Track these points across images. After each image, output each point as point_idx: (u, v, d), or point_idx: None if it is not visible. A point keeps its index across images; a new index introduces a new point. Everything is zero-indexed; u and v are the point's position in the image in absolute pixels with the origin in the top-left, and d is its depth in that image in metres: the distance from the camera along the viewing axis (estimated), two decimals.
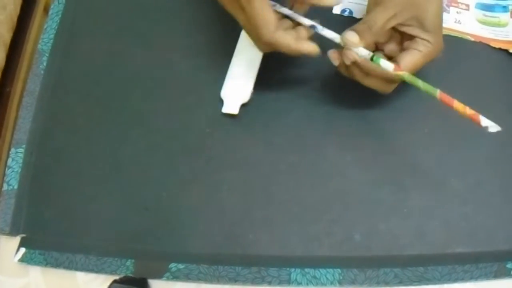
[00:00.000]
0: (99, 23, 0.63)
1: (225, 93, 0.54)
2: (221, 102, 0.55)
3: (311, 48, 0.48)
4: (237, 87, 0.54)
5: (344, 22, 0.56)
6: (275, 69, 0.56)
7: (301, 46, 0.47)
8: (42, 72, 0.60)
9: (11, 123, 0.60)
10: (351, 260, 0.48)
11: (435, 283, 0.47)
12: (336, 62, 0.49)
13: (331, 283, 0.48)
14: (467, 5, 0.58)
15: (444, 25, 0.47)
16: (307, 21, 0.48)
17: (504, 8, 0.58)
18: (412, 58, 0.46)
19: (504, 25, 0.57)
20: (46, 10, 0.67)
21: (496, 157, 0.51)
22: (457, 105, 0.44)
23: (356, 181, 0.51)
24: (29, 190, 0.55)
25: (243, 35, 0.56)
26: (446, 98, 0.44)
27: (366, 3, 0.49)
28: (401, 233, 0.49)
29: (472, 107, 0.43)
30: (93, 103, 0.58)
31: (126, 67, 0.59)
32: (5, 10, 0.62)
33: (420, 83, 0.45)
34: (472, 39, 0.56)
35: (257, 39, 0.47)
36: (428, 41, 0.46)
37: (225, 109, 0.54)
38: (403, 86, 0.53)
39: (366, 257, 0.48)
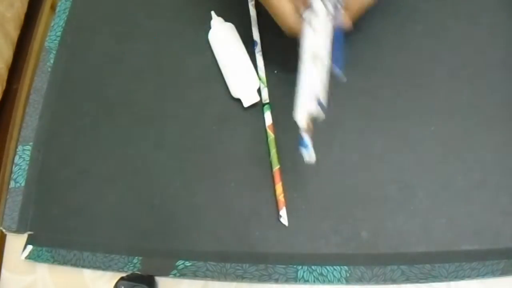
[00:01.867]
0: (106, 20, 0.63)
1: (238, 91, 0.54)
2: (228, 98, 0.55)
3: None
4: (244, 79, 0.55)
5: None
6: (282, 65, 0.56)
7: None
8: (49, 69, 0.60)
9: (18, 121, 0.60)
10: (358, 257, 0.49)
11: (442, 281, 0.47)
12: None
13: (338, 280, 0.48)
14: None
15: None
16: None
17: None
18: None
19: None
20: (53, 7, 0.67)
21: (502, 155, 0.51)
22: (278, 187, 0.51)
23: (362, 179, 0.51)
24: (36, 187, 0.55)
25: (216, 37, 0.57)
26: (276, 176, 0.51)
27: None
28: (408, 230, 0.49)
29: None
30: (100, 100, 0.58)
31: (133, 65, 0.59)
32: (12, 8, 0.62)
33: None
34: None
35: (281, 27, 0.48)
36: None
37: (246, 103, 0.54)
38: (407, 84, 0.54)
39: (373, 254, 0.48)
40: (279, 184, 0.51)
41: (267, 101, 0.54)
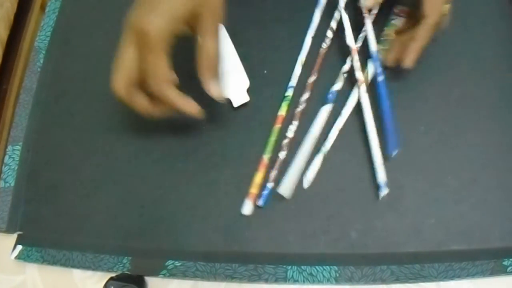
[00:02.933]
0: (95, 20, 0.63)
1: (227, 91, 0.54)
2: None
3: (194, 106, 0.47)
4: (234, 78, 0.54)
5: None
6: (267, 67, 0.56)
7: (186, 102, 0.47)
8: (38, 69, 0.60)
9: (7, 121, 0.60)
10: (347, 257, 0.48)
11: (431, 281, 0.48)
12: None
13: (328, 280, 0.48)
14: None
15: None
16: None
17: None
18: None
19: None
20: (42, 7, 0.67)
21: (492, 155, 0.51)
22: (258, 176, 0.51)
23: (352, 179, 0.51)
24: (25, 187, 0.55)
25: None
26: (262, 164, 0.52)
27: None
28: (398, 230, 0.49)
29: None
30: (90, 100, 0.58)
31: None
32: (2, 8, 0.62)
33: None
34: None
35: (151, 86, 0.45)
36: None
37: (236, 103, 0.54)
38: (398, 84, 0.53)
39: (362, 254, 0.48)
40: (262, 172, 0.51)
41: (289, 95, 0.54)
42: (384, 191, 0.49)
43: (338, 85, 0.54)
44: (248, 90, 0.54)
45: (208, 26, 0.46)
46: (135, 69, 0.45)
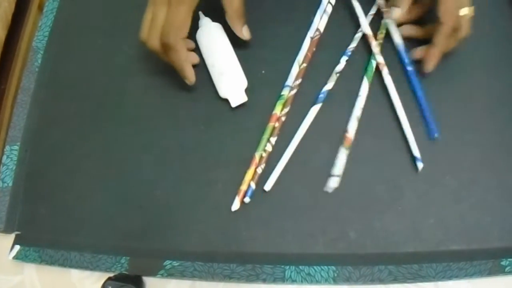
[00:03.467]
0: (93, 20, 0.63)
1: (225, 91, 0.54)
2: (215, 99, 0.55)
3: (191, 74, 0.53)
4: (232, 78, 0.54)
5: None
6: (266, 67, 0.56)
7: (186, 65, 0.52)
8: (36, 69, 0.60)
9: (5, 121, 0.60)
10: (345, 257, 0.48)
11: (429, 281, 0.47)
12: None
13: (326, 280, 0.48)
14: None
15: None
16: None
17: None
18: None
19: None
20: (40, 7, 0.67)
21: (491, 155, 0.51)
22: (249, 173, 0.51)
23: (350, 179, 0.51)
24: (23, 187, 0.55)
25: (204, 37, 0.57)
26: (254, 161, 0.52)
27: None
28: (396, 230, 0.49)
29: None
30: (88, 100, 0.58)
31: (120, 65, 0.59)
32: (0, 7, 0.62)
33: None
34: None
35: (163, 35, 0.50)
36: None
37: (234, 103, 0.54)
38: (398, 84, 0.53)
39: (360, 254, 0.48)
40: (252, 169, 0.51)
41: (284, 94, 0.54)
42: (420, 165, 0.50)
43: (329, 85, 0.54)
44: (247, 90, 0.54)
45: None
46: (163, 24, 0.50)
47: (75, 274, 0.53)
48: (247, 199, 0.50)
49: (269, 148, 0.52)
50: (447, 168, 0.50)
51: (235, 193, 0.51)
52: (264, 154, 0.52)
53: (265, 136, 0.52)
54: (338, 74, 0.54)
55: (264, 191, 0.51)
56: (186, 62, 0.52)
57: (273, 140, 0.52)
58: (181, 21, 0.49)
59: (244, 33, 0.54)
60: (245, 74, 0.55)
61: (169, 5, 0.49)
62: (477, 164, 0.51)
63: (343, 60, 0.55)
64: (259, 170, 0.51)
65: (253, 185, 0.51)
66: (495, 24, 0.57)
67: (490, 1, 0.58)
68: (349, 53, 0.55)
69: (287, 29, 0.58)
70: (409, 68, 0.53)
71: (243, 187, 0.51)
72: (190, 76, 0.53)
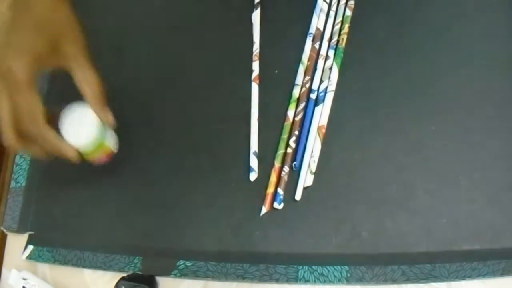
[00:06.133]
0: (92, 20, 0.62)
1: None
2: (229, 98, 0.55)
3: (72, 149, 0.46)
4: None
5: None
6: (279, 67, 0.56)
7: (61, 143, 0.46)
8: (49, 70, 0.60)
9: None
10: (358, 257, 0.48)
11: (442, 281, 0.47)
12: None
13: (339, 280, 0.48)
14: None
15: None
16: None
17: None
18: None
19: None
20: None
21: (503, 155, 0.51)
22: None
23: (363, 179, 0.51)
24: (37, 187, 0.56)
25: None
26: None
27: None
28: (409, 230, 0.49)
29: None
30: None
31: (132, 65, 0.59)
32: None
33: None
34: None
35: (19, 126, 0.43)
36: None
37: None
38: (409, 84, 0.53)
39: (373, 254, 0.48)
40: (277, 173, 0.51)
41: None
42: None
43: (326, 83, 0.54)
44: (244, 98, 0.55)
45: (76, 56, 0.45)
46: (14, 115, 0.43)
47: (88, 274, 0.53)
48: (276, 205, 0.50)
49: (289, 150, 0.52)
50: (459, 168, 0.50)
51: (249, 193, 0.51)
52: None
53: (284, 136, 0.52)
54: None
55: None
56: (58, 139, 0.45)
57: (292, 141, 0.52)
58: (30, 100, 0.43)
59: (108, 117, 0.48)
60: (260, 73, 0.55)
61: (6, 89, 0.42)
62: (489, 164, 0.50)
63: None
64: (284, 176, 0.51)
65: (280, 191, 0.51)
66: (495, 24, 0.56)
67: (490, 1, 0.58)
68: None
69: (302, 29, 0.58)
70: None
71: (270, 190, 0.51)
72: (72, 152, 0.46)
